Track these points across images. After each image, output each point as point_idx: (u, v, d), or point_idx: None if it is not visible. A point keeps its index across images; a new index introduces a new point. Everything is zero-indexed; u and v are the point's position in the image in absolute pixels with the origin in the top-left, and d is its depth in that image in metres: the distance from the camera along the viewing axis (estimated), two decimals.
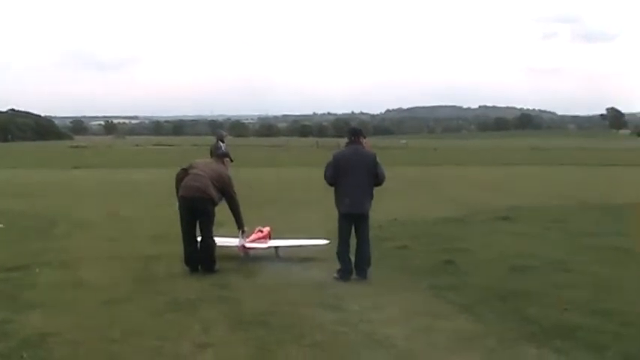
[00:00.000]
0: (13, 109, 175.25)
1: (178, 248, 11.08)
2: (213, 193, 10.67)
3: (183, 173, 10.93)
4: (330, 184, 10.51)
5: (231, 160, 11.63)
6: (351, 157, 10.33)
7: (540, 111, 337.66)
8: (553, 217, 17.31)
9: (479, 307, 8.48)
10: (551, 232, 14.72)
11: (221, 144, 17.72)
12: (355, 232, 10.40)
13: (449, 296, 9.04)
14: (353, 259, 10.28)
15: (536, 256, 11.66)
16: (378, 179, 10.31)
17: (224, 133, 18.82)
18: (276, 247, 11.84)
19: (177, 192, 10.88)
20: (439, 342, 7.14)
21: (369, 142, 10.85)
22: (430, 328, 7.61)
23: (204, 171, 10.83)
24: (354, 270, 10.21)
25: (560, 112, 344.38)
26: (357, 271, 10.21)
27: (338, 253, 10.30)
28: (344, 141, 10.85)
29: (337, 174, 10.30)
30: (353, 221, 10.35)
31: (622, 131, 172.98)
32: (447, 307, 8.55)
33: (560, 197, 22.31)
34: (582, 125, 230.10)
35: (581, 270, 10.60)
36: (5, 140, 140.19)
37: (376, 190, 10.42)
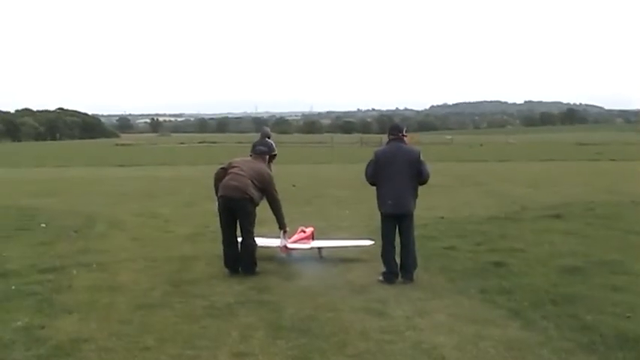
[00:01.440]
0: (61, 108, 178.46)
1: (217, 248, 10.81)
2: (254, 192, 10.33)
3: (223, 172, 10.63)
4: (372, 184, 10.06)
5: (274, 156, 11.25)
6: (393, 154, 9.82)
7: (587, 105, 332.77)
8: (605, 214, 16.56)
9: (531, 312, 7.99)
10: (604, 231, 14.02)
11: (268, 140, 17.33)
12: (399, 232, 9.93)
13: (499, 301, 8.56)
14: (398, 260, 9.85)
15: (591, 257, 11.05)
16: (421, 177, 9.80)
17: (269, 131, 18.36)
18: (319, 248, 11.49)
19: (217, 192, 10.58)
20: (490, 352, 6.68)
21: (411, 139, 10.41)
22: (480, 336, 7.15)
23: (244, 170, 10.48)
24: (400, 272, 9.78)
25: (607, 107, 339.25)
26: (403, 273, 9.75)
27: (383, 255, 9.87)
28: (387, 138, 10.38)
29: (379, 172, 9.85)
30: (396, 222, 9.89)
31: None
32: (496, 313, 8.07)
33: (609, 193, 21.56)
34: (630, 119, 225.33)
35: (638, 272, 10.02)
36: (53, 138, 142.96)
37: (421, 186, 9.96)
